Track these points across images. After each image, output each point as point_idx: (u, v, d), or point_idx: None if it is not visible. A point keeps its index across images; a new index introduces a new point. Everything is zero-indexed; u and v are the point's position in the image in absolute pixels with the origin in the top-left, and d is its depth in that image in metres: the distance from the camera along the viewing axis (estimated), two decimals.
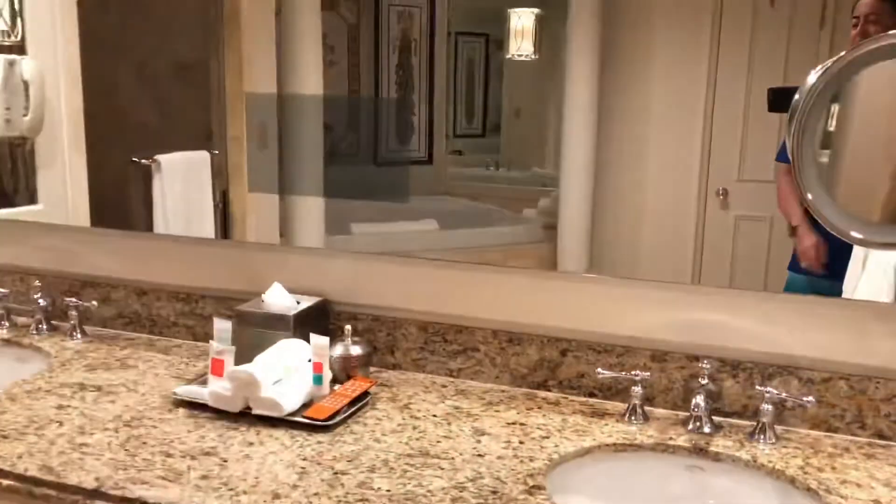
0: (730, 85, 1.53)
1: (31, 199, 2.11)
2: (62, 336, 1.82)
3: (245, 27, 1.90)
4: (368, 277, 1.67)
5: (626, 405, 1.44)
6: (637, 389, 1.43)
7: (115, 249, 1.89)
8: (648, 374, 1.44)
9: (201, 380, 1.53)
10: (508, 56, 1.84)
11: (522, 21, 1.81)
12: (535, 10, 1.81)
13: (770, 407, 1.35)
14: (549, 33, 1.79)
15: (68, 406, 1.46)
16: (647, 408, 1.44)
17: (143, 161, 2.00)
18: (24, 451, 1.28)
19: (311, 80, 1.90)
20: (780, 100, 1.45)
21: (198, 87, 2.02)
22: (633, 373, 1.43)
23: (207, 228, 1.98)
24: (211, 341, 1.50)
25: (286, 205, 1.91)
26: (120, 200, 2.08)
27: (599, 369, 1.45)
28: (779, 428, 1.38)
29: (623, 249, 1.67)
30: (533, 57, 1.82)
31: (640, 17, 1.62)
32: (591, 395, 1.52)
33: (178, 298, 1.81)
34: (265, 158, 1.94)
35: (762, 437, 1.35)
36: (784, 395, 1.35)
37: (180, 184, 2.00)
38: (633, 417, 1.42)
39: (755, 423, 1.36)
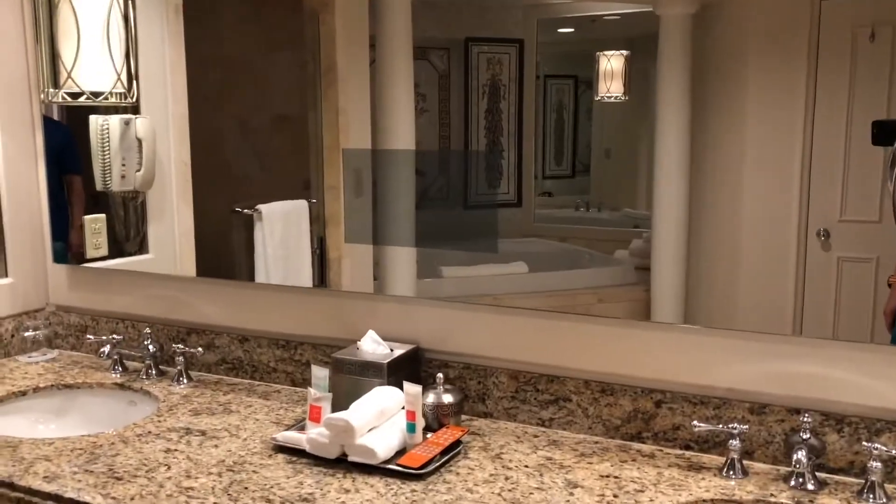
0: (829, 121, 1.48)
1: (142, 248, 2.24)
2: (169, 381, 1.91)
3: (341, 80, 1.98)
4: (459, 325, 1.69)
5: (724, 459, 1.40)
6: (735, 443, 1.39)
7: (218, 297, 1.98)
8: (747, 427, 1.40)
9: (300, 425, 1.58)
10: (598, 98, 1.85)
11: (612, 63, 1.82)
12: (625, 52, 1.81)
13: (879, 465, 1.29)
14: (639, 74, 1.79)
15: (175, 450, 1.53)
16: (745, 462, 1.40)
17: (245, 210, 2.09)
18: (135, 492, 1.35)
19: (403, 129, 1.95)
20: (884, 133, 1.40)
21: (296, 139, 2.11)
22: (730, 426, 1.40)
23: (305, 273, 2.05)
24: (309, 388, 1.55)
25: (379, 249, 1.96)
26: (223, 248, 2.17)
27: (696, 422, 1.42)
28: (889, 487, 1.31)
29: (718, 293, 1.64)
30: (622, 98, 1.82)
31: (733, 56, 1.60)
32: (687, 447, 1.49)
33: (277, 345, 1.88)
34: (360, 206, 2.00)
35: (871, 496, 1.29)
36: (895, 451, 1.28)
37: (280, 231, 2.08)
38: (731, 472, 1.38)
39: (863, 482, 1.30)
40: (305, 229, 2.07)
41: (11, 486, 1.41)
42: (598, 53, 1.83)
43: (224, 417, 1.69)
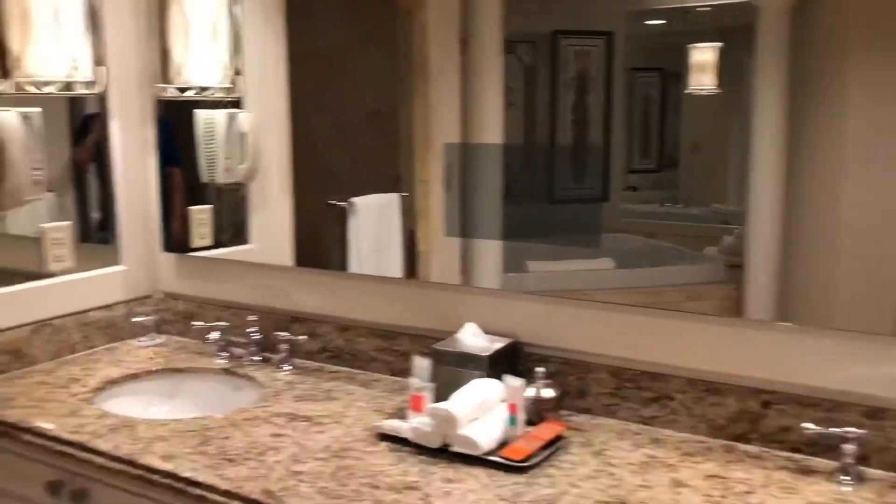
0: None
1: (244, 238, 2.31)
2: (273, 367, 1.97)
3: (433, 76, 1.99)
4: (559, 320, 1.69)
5: (837, 464, 1.36)
6: (849, 447, 1.35)
7: (318, 287, 2.03)
8: (863, 431, 1.35)
9: (401, 414, 1.61)
10: (688, 90, 1.81)
11: (704, 55, 1.78)
12: (718, 44, 1.77)
13: None
14: (733, 66, 1.75)
15: (282, 434, 1.58)
16: (861, 468, 1.36)
17: (339, 203, 2.14)
18: (247, 474, 1.40)
19: (492, 124, 1.95)
20: None
21: (387, 134, 2.14)
22: (844, 429, 1.35)
23: (395, 266, 2.08)
24: (411, 378, 1.58)
25: (466, 242, 1.97)
26: (317, 239, 2.23)
27: (808, 424, 1.39)
28: None
29: (816, 292, 1.59)
30: (714, 90, 1.78)
31: (834, 50, 1.54)
32: (796, 450, 1.45)
33: (376, 335, 1.91)
34: (450, 200, 2.01)
35: None
36: None
37: (373, 224, 2.12)
38: (845, 477, 1.34)
39: None
40: (397, 222, 2.09)
41: (132, 463, 1.48)
42: (688, 45, 1.79)
43: (327, 404, 1.73)
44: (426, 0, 2.00)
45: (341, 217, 2.13)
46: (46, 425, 1.63)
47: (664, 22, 1.91)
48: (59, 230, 2.05)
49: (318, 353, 2.00)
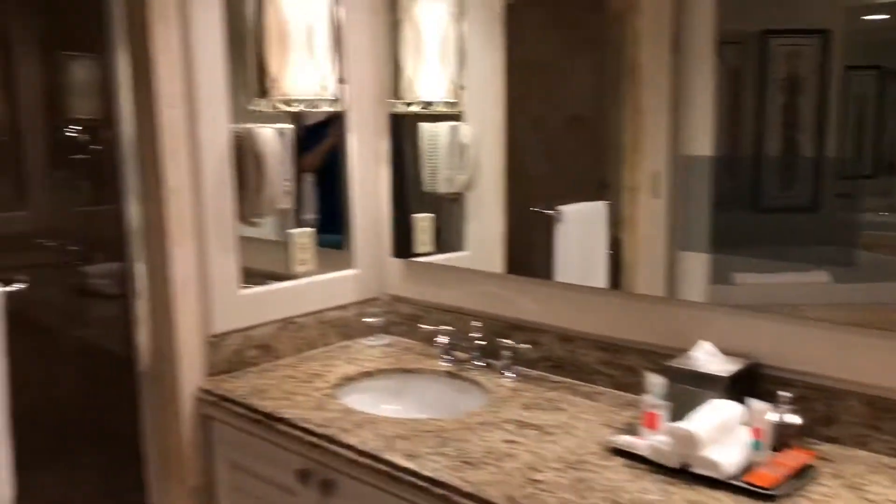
0: None
1: (461, 246, 2.40)
2: (495, 373, 2.02)
3: (643, 81, 1.96)
4: (802, 341, 1.61)
5: None
6: None
7: (538, 296, 2.06)
8: None
9: (632, 430, 1.60)
10: None
11: None
12: None
13: None
14: None
15: (516, 441, 1.62)
16: None
17: (545, 210, 2.15)
18: (487, 479, 1.46)
19: (702, 129, 1.89)
20: None
21: (592, 140, 2.13)
22: None
23: (600, 275, 2.06)
24: (645, 394, 1.57)
25: (672, 252, 1.92)
26: (525, 247, 2.26)
27: None
28: None
29: None
30: None
31: None
32: None
33: (600, 347, 1.91)
34: (657, 208, 1.97)
35: None
36: None
37: (580, 232, 2.12)
38: None
39: None
40: (603, 231, 2.08)
41: (377, 458, 1.58)
42: None
43: (554, 414, 1.76)
44: (638, 4, 1.97)
45: (548, 225, 2.15)
46: (298, 417, 1.77)
47: (888, 17, 1.76)
48: (303, 236, 2.22)
49: (539, 362, 2.03)
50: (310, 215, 2.31)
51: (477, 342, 2.09)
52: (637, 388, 1.80)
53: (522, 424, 1.71)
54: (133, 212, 2.01)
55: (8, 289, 1.78)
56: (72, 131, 3.55)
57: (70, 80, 3.51)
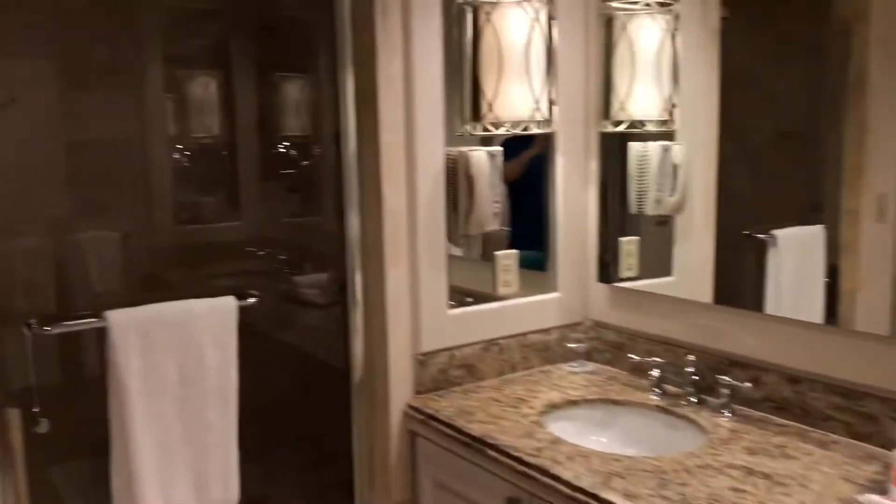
0: None
1: (666, 271, 2.29)
2: (711, 411, 1.91)
3: (870, 95, 1.78)
4: None
5: None
6: None
7: (753, 329, 1.92)
8: None
9: (880, 488, 1.45)
10: None
11: None
12: None
13: None
14: None
15: (744, 490, 1.51)
16: None
17: (757, 235, 2.01)
18: None
19: None
20: None
21: (804, 158, 1.98)
22: None
23: (815, 308, 1.89)
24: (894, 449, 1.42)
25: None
26: (734, 273, 2.12)
27: None
28: None
29: None
30: None
31: None
32: None
33: (835, 392, 1.76)
34: (881, 233, 1.78)
35: None
36: None
37: (794, 260, 1.96)
38: None
39: None
40: (820, 258, 1.91)
41: (595, 497, 1.53)
42: None
43: (784, 463, 1.63)
44: (868, 11, 1.80)
45: (759, 250, 2.01)
46: (507, 444, 1.76)
47: None
48: (508, 257, 2.21)
49: (760, 402, 1.90)
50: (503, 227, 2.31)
51: (691, 376, 1.98)
52: (879, 438, 1.65)
53: (749, 471, 1.59)
54: (353, 227, 2.08)
55: (242, 303, 1.89)
56: (282, 148, 3.77)
57: (282, 100, 3.72)
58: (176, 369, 1.78)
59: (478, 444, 1.81)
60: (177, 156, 3.53)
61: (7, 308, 2.38)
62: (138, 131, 3.40)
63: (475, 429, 1.85)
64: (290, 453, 2.72)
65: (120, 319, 1.71)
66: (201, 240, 3.57)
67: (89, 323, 1.74)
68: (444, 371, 2.11)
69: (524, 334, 2.25)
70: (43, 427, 1.70)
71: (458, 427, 1.88)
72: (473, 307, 2.17)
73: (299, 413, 2.88)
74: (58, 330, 1.72)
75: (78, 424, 1.91)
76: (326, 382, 2.49)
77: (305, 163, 3.71)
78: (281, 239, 3.65)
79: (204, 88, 3.51)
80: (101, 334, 1.73)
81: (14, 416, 1.63)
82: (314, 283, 3.18)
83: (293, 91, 3.58)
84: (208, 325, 1.82)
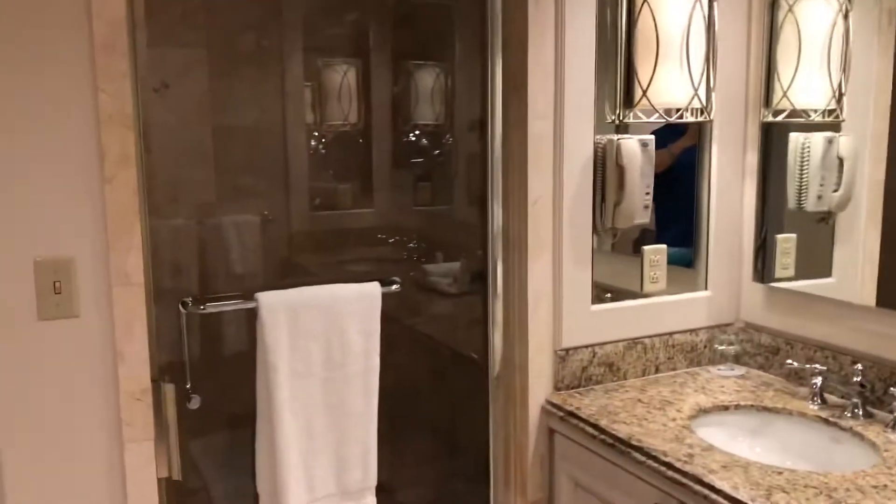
0: None
1: (825, 271, 2.13)
2: (882, 426, 1.75)
3: None
4: None
5: None
6: None
7: None
8: None
9: None
10: None
11: None
12: None
13: None
14: None
15: None
16: None
17: None
18: None
19: None
20: None
21: None
22: None
23: None
24: None
25: None
26: None
27: None
28: None
29: None
30: None
31: None
32: None
33: None
34: None
35: None
36: None
37: None
38: None
39: None
40: None
41: None
42: None
43: None
44: None
45: None
46: (655, 448, 1.67)
47: None
48: (657, 252, 2.11)
49: None
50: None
51: (857, 387, 1.83)
52: None
53: None
54: (496, 217, 2.03)
55: (386, 289, 1.88)
56: (413, 136, 3.78)
57: (416, 88, 3.73)
58: (321, 352, 1.79)
59: (623, 446, 1.74)
60: (314, 143, 3.61)
61: (158, 286, 2.48)
62: (278, 118, 3.49)
63: (620, 430, 1.77)
64: (422, 442, 2.71)
65: (270, 301, 1.74)
66: (335, 226, 3.64)
67: (240, 303, 1.77)
68: (584, 368, 2.04)
69: (670, 334, 2.14)
70: (194, 403, 1.75)
71: (602, 427, 1.81)
72: (618, 303, 2.09)
73: (433, 402, 2.86)
74: (211, 309, 1.76)
75: (215, 400, 1.96)
76: (461, 373, 2.46)
77: (438, 151, 3.70)
78: (411, 227, 3.66)
79: (342, 76, 3.56)
80: (241, 314, 1.76)
81: (169, 391, 1.68)
82: (445, 271, 3.16)
83: (428, 79, 3.58)
84: (354, 310, 1.82)
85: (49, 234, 1.52)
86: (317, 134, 3.52)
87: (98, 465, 1.61)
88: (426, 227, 3.64)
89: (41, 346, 1.54)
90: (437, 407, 2.77)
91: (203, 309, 1.74)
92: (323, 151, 3.61)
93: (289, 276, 3.24)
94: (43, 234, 1.52)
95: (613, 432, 1.77)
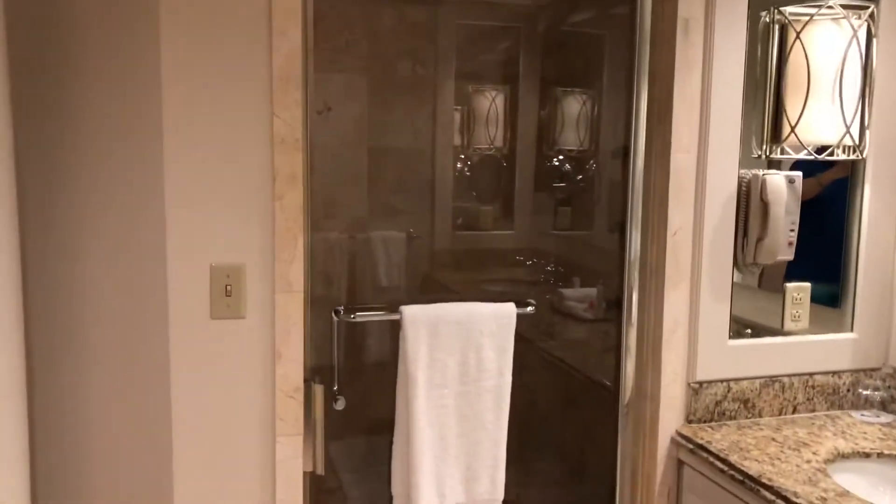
0: None
1: None
2: None
3: None
4: None
5: None
6: None
7: None
8: None
9: None
10: None
11: None
12: None
13: None
14: None
15: None
16: None
17: None
18: None
19: None
20: None
21: None
22: None
23: None
24: None
25: None
26: None
27: None
28: None
29: None
30: None
31: None
32: None
33: None
34: None
35: None
36: None
37: None
38: None
39: None
40: None
41: None
42: None
43: None
44: None
45: None
46: (788, 489, 1.64)
47: None
48: (800, 290, 2.07)
49: None
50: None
51: None
52: None
53: None
54: (634, 245, 2.06)
55: (521, 310, 1.96)
56: (556, 161, 3.84)
57: (561, 114, 3.79)
58: (457, 366, 1.89)
59: (752, 484, 1.72)
60: (460, 165, 3.74)
61: (314, 295, 2.68)
62: (428, 141, 3.66)
63: (751, 467, 1.76)
64: (549, 463, 2.76)
65: (413, 314, 1.86)
66: (475, 245, 3.75)
67: (385, 315, 1.91)
68: (718, 403, 2.03)
69: (810, 374, 2.09)
70: (340, 404, 1.90)
71: (732, 462, 1.80)
72: (756, 340, 2.06)
73: (561, 425, 2.90)
74: (360, 318, 1.90)
75: (358, 404, 2.09)
76: (591, 398, 2.50)
77: (579, 177, 3.74)
78: (549, 250, 3.71)
79: (490, 102, 3.68)
80: (384, 325, 1.87)
81: (318, 391, 1.83)
82: (582, 297, 3.20)
83: (574, 105, 3.63)
84: (490, 329, 1.91)
85: (224, 242, 1.71)
86: (463, 156, 3.66)
87: (253, 455, 1.78)
88: (564, 251, 3.69)
89: (212, 342, 1.73)
90: (566, 430, 2.82)
91: (353, 318, 1.88)
92: (468, 174, 3.75)
93: (429, 291, 3.38)
94: (219, 242, 1.71)
95: (743, 469, 1.76)
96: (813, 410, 2.10)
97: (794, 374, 2.08)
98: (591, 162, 3.70)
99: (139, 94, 1.68)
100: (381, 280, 3.59)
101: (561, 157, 3.76)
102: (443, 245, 3.79)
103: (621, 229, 2.06)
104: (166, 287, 1.69)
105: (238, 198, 1.71)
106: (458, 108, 3.65)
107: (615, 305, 3.32)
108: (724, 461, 1.82)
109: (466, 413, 1.91)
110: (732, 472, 1.78)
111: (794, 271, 2.08)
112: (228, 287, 1.71)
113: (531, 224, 3.88)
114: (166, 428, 1.73)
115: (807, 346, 2.09)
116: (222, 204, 1.70)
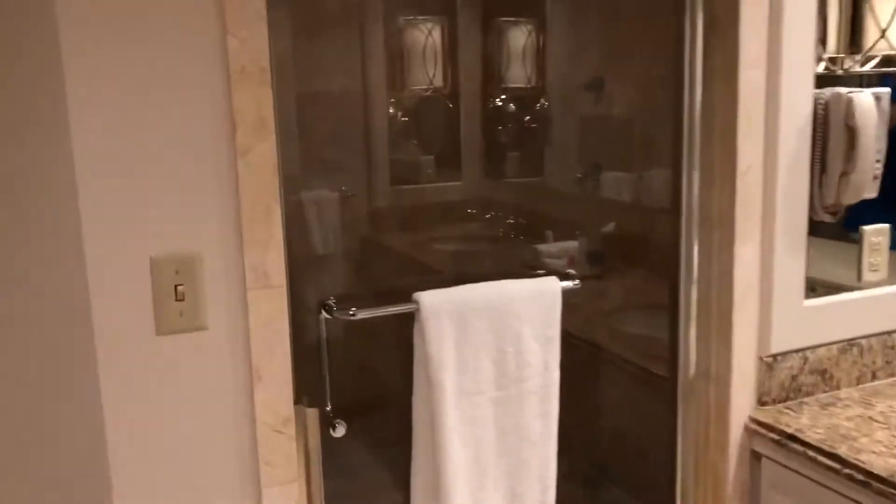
0: None
1: None
2: None
3: None
4: None
5: None
6: None
7: None
8: None
9: None
10: None
11: None
12: None
13: None
14: None
15: None
16: None
17: None
18: None
19: None
20: None
21: None
22: None
23: None
24: None
25: None
26: None
27: None
28: None
29: None
30: None
31: None
32: None
33: None
34: None
35: None
36: None
37: None
38: None
39: None
40: None
41: None
42: None
43: None
44: None
45: None
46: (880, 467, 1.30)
47: None
48: (878, 234, 1.72)
49: None
50: None
51: None
52: None
53: None
54: (693, 191, 1.64)
55: (564, 285, 1.51)
56: (500, 101, 3.43)
57: (504, 48, 3.37)
58: (493, 366, 1.43)
59: (886, 486, 1.36)
60: (394, 110, 3.29)
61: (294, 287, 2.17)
62: (359, 83, 3.18)
63: (874, 463, 1.39)
64: (597, 465, 2.29)
65: (433, 303, 1.37)
66: (419, 201, 3.32)
67: (396, 308, 1.40)
68: (794, 378, 1.66)
69: (889, 333, 1.75)
70: (339, 431, 1.40)
71: (843, 458, 1.43)
72: (834, 297, 1.70)
73: (610, 418, 2.40)
74: (362, 315, 1.39)
75: (359, 427, 1.61)
76: (643, 384, 2.09)
77: (526, 117, 3.34)
78: (507, 201, 3.29)
79: (425, 35, 3.21)
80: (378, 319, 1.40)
81: (312, 417, 1.33)
82: (558, 252, 2.79)
83: (517, 38, 3.20)
84: (531, 313, 1.45)
85: (169, 224, 1.17)
86: (396, 100, 3.26)
87: None
88: (526, 201, 3.28)
89: (161, 368, 1.19)
90: (615, 424, 2.32)
91: (352, 315, 1.37)
92: (404, 119, 3.33)
93: (373, 257, 2.95)
94: (161, 224, 1.16)
95: (865, 467, 1.40)
96: (892, 375, 1.77)
97: (873, 335, 1.74)
98: (543, 100, 3.29)
99: None
100: (316, 248, 3.11)
101: (512, 95, 3.33)
102: (381, 203, 3.35)
103: (675, 170, 1.63)
104: (87, 293, 1.13)
105: (184, 157, 1.16)
106: (389, 44, 3.20)
107: (599, 260, 2.88)
108: (831, 456, 1.45)
109: (507, 425, 1.45)
110: (848, 471, 1.42)
111: (877, 216, 1.72)
112: (179, 288, 1.18)
113: (482, 172, 3.46)
114: (103, 499, 1.19)
115: (886, 301, 1.75)
116: (162, 167, 1.15)
